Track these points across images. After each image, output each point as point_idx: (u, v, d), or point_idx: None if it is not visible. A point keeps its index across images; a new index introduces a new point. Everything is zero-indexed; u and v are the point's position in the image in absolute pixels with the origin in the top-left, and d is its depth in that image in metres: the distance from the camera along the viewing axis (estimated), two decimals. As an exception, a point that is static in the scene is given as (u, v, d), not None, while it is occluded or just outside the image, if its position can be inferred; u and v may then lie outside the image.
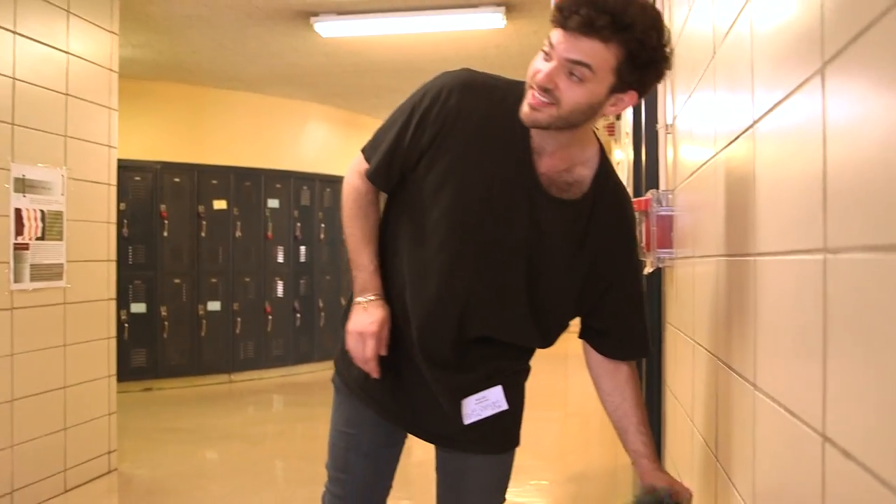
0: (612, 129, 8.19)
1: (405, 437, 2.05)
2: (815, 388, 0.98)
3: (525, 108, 1.66)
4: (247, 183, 8.81)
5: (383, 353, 1.87)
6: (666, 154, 2.74)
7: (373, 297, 1.88)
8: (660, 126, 2.78)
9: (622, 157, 6.46)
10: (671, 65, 1.64)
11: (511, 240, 1.80)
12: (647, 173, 3.65)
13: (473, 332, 1.85)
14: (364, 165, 1.93)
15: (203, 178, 8.50)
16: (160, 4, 5.96)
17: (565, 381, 9.55)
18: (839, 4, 0.90)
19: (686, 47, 2.31)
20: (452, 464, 2.02)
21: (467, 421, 1.89)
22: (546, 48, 1.61)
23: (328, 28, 6.34)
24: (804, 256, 1.02)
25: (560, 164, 1.79)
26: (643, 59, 1.57)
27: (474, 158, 1.79)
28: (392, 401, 1.96)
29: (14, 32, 4.13)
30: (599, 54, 1.55)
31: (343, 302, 9.73)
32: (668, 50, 1.61)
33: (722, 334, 1.71)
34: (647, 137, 3.89)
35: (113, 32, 5.04)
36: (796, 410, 1.08)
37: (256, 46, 7.14)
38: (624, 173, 5.90)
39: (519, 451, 2.04)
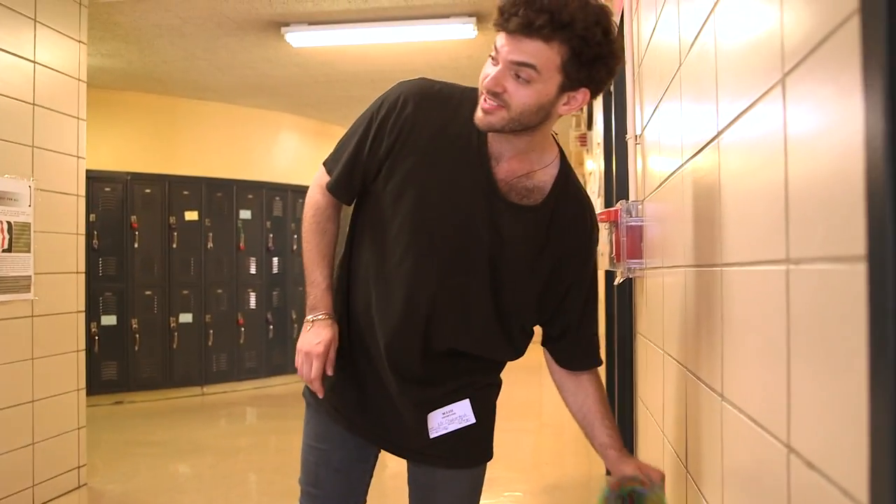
0: (584, 140, 8.22)
1: (378, 452, 2.04)
2: (779, 398, 0.98)
3: (479, 114, 1.67)
4: (218, 194, 8.76)
5: (329, 373, 1.85)
6: (635, 165, 2.75)
7: (322, 316, 1.87)
8: (629, 137, 2.79)
9: (594, 168, 6.49)
10: (622, 59, 1.65)
11: (472, 248, 1.80)
12: (618, 184, 3.67)
13: (440, 343, 1.85)
14: (325, 178, 1.94)
15: (174, 189, 8.45)
16: (129, 14, 5.92)
17: (539, 391, 9.55)
18: (798, 17, 0.91)
19: (653, 58, 2.32)
20: (423, 478, 2.01)
21: (433, 434, 1.88)
22: (493, 53, 1.61)
23: (299, 38, 6.33)
24: (768, 267, 1.03)
25: (519, 169, 1.79)
26: (588, 55, 1.57)
27: (432, 166, 1.79)
28: (361, 416, 1.95)
29: (-20, 42, 4.09)
30: (543, 54, 1.56)
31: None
32: (614, 45, 1.62)
33: (690, 344, 1.71)
34: (616, 148, 3.91)
35: (81, 42, 4.99)
36: (762, 421, 1.08)
37: (227, 56, 7.11)
38: (596, 184, 5.93)
39: (493, 463, 2.03)
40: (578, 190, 1.88)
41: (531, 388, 9.49)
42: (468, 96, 1.78)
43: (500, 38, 1.59)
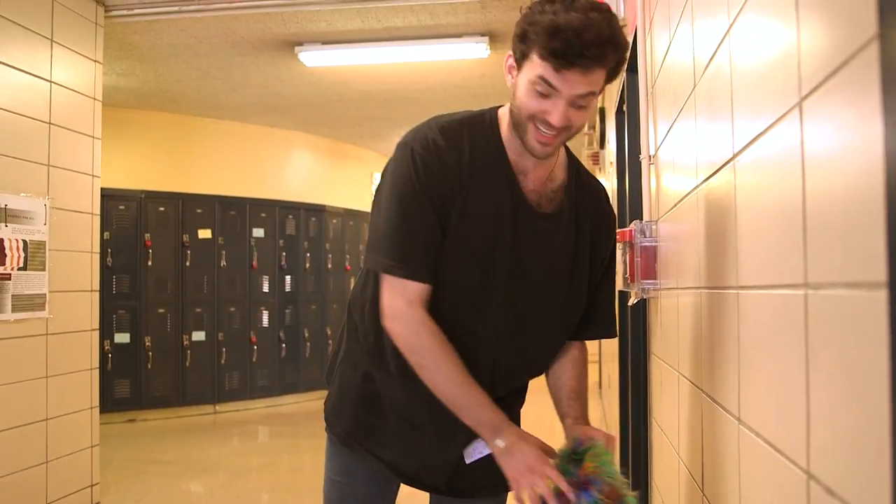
0: (596, 158, 8.21)
1: (399, 485, 2.03)
2: (798, 423, 0.97)
3: (536, 147, 1.69)
4: (232, 212, 8.80)
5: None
6: (649, 184, 2.75)
7: (513, 435, 1.72)
8: (642, 157, 2.78)
9: (607, 186, 6.48)
10: None
11: (527, 268, 1.81)
12: (631, 203, 3.66)
13: (508, 373, 1.88)
14: (403, 283, 1.74)
15: (188, 207, 8.48)
16: (144, 34, 5.96)
17: (551, 411, 9.52)
18: (815, 40, 0.90)
19: (667, 78, 2.32)
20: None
21: (469, 460, 1.85)
22: (542, 89, 1.62)
23: (313, 58, 6.37)
24: (785, 291, 1.02)
25: (542, 175, 1.82)
26: (624, 59, 1.66)
27: (472, 205, 1.76)
28: (385, 451, 1.94)
29: (-3, 63, 4.13)
30: (599, 78, 1.63)
31: (328, 332, 9.66)
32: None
33: (706, 366, 1.70)
34: (630, 167, 3.91)
35: (96, 61, 5.03)
36: (781, 446, 1.07)
37: (241, 75, 7.15)
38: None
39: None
40: (588, 175, 1.94)
41: (543, 408, 9.46)
42: (473, 122, 1.80)
43: (556, 76, 1.60)
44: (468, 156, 1.76)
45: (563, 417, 1.89)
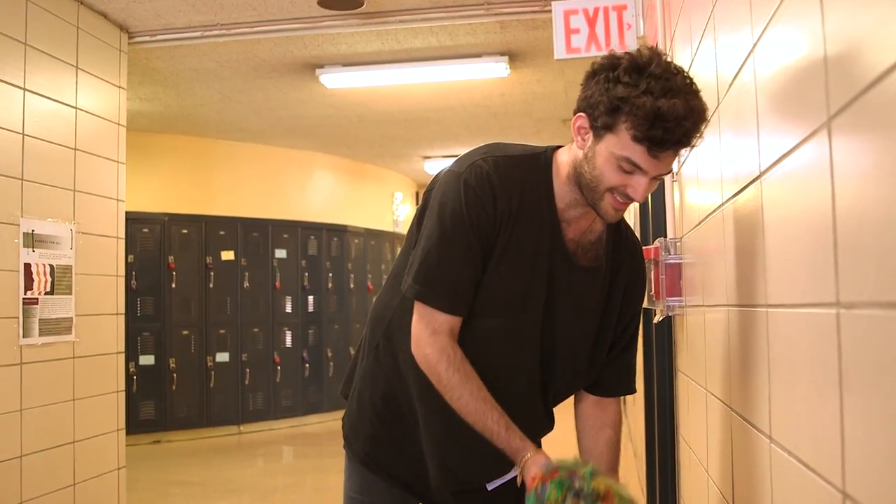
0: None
1: (417, 502, 2.03)
2: (833, 443, 0.96)
3: (611, 213, 1.72)
4: (254, 233, 8.85)
5: None
6: (673, 201, 2.74)
7: (530, 453, 1.76)
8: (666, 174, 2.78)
9: (628, 202, 6.47)
10: None
11: (558, 315, 1.84)
12: (654, 221, 3.65)
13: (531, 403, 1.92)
14: (435, 315, 1.76)
15: (210, 230, 8.54)
16: (167, 59, 6.03)
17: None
18: (842, 60, 0.91)
19: (690, 96, 2.32)
20: None
21: (491, 487, 1.86)
22: (628, 168, 1.63)
23: (333, 79, 6.41)
24: (817, 310, 1.02)
25: (584, 225, 1.84)
26: None
27: (516, 246, 1.77)
28: (403, 469, 1.95)
29: (23, 89, 4.18)
30: (675, 157, 1.67)
31: (351, 352, 9.72)
32: None
33: (735, 384, 1.69)
34: (653, 183, 3.90)
35: (121, 87, 5.09)
36: (815, 466, 1.06)
37: (262, 98, 7.21)
38: (631, 219, 5.91)
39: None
40: (627, 228, 1.95)
41: (568, 425, 9.41)
42: (528, 162, 1.81)
43: (650, 160, 1.60)
44: (518, 196, 1.75)
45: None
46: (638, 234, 4.81)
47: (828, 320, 0.97)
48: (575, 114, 1.72)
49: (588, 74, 1.69)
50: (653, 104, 1.53)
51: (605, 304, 1.88)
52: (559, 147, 1.86)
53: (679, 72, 1.60)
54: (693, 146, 1.63)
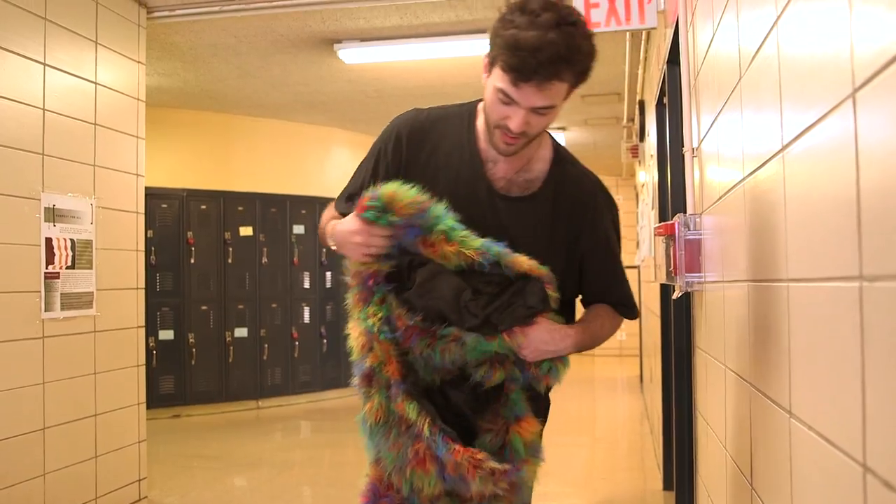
0: (635, 151, 8.17)
1: None
2: (854, 416, 0.96)
3: (501, 146, 1.85)
4: (272, 209, 8.87)
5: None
6: (693, 177, 2.73)
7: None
8: (686, 150, 2.76)
9: (647, 179, 6.44)
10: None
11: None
12: (673, 196, 3.64)
13: None
14: (330, 211, 2.12)
15: (229, 205, 8.57)
16: (185, 34, 6.03)
17: (592, 405, 9.49)
18: (868, 32, 0.90)
19: (711, 70, 2.30)
20: None
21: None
22: (503, 98, 1.76)
23: (351, 55, 6.39)
24: (839, 284, 1.01)
25: (517, 164, 1.94)
26: (588, 69, 1.78)
27: (434, 183, 1.90)
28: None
29: (44, 64, 4.20)
30: (559, 90, 1.75)
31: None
32: (596, 48, 1.78)
33: (755, 360, 1.69)
34: (672, 160, 3.88)
35: (140, 62, 5.10)
36: (835, 440, 1.06)
37: (281, 74, 7.20)
38: (649, 196, 5.88)
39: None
40: (581, 171, 2.03)
41: (584, 402, 9.43)
42: (455, 112, 2.01)
43: (515, 90, 1.73)
44: (438, 137, 1.97)
45: None
46: (657, 211, 4.80)
47: (850, 294, 0.96)
48: None
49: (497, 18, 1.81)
50: (513, 35, 1.68)
51: (550, 232, 1.95)
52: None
53: (552, 10, 1.69)
54: (566, 82, 1.73)
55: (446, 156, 1.96)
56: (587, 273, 2.01)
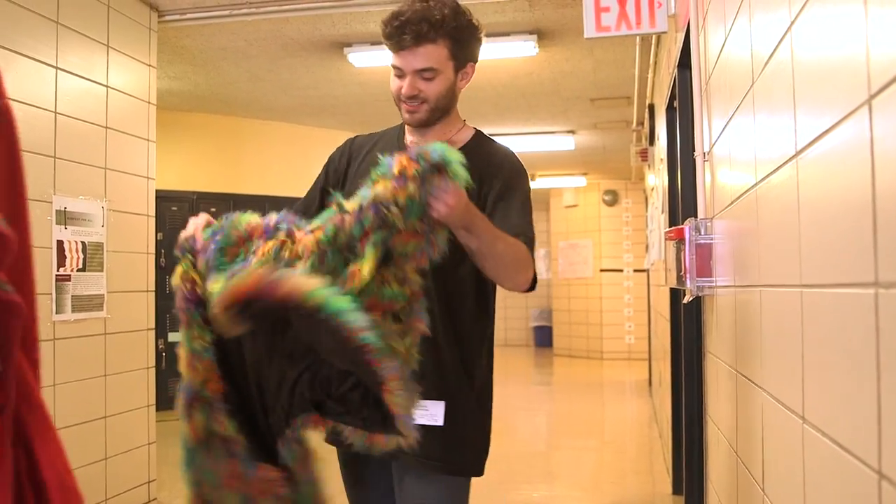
0: (644, 155, 8.15)
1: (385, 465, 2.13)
2: (869, 423, 0.96)
3: (406, 117, 2.10)
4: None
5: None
6: (704, 182, 2.73)
7: None
8: (697, 154, 2.76)
9: (657, 183, 6.43)
10: (482, 27, 2.11)
11: None
12: (684, 201, 3.63)
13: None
14: None
15: (238, 208, 8.41)
16: (196, 37, 6.05)
17: (601, 409, 9.48)
18: (885, 39, 0.89)
19: (723, 74, 2.30)
20: (397, 474, 2.11)
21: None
22: (395, 72, 2.04)
23: (361, 58, 6.40)
24: (854, 290, 1.01)
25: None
26: (464, 37, 2.03)
27: (369, 171, 2.02)
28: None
29: (55, 67, 4.22)
30: (434, 53, 2.00)
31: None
32: (473, 19, 2.06)
33: (767, 365, 1.69)
34: (682, 164, 3.88)
35: (151, 66, 5.12)
36: (849, 446, 1.06)
37: (290, 77, 7.22)
38: (659, 199, 5.87)
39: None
40: (493, 147, 2.18)
41: (593, 406, 9.42)
42: (387, 130, 2.29)
43: (397, 58, 2.02)
44: (377, 141, 2.25)
45: None
46: (667, 215, 4.79)
47: (865, 300, 0.96)
48: None
49: None
50: (390, 11, 1.99)
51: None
52: None
53: None
54: (440, 45, 1.98)
55: (380, 151, 2.11)
56: (488, 209, 2.04)
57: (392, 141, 2.22)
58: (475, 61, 2.14)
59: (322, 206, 2.23)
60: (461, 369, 2.07)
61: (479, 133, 2.22)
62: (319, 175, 2.34)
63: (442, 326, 2.02)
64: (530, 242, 2.04)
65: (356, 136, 2.34)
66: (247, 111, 8.62)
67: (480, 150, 2.13)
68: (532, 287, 2.05)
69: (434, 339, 1.92)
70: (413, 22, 1.95)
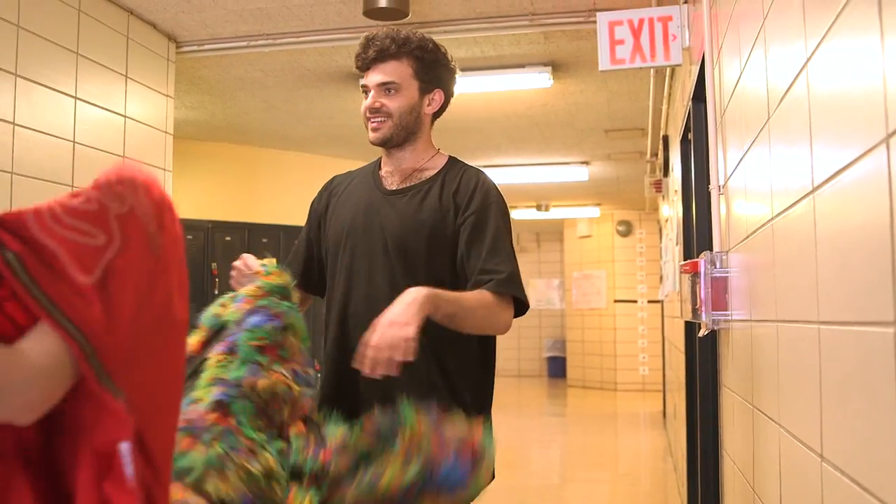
0: (659, 186, 8.15)
1: None
2: (889, 463, 0.95)
3: (371, 135, 2.19)
4: (296, 241, 8.89)
5: None
6: (719, 215, 2.72)
7: None
8: (712, 187, 2.76)
9: (671, 214, 6.42)
10: (454, 62, 2.27)
11: (386, 233, 2.16)
12: (699, 233, 3.62)
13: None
14: None
15: (253, 237, 8.61)
16: (213, 68, 6.11)
17: (615, 441, 9.41)
18: (905, 75, 0.89)
19: (738, 107, 2.30)
20: None
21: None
22: (364, 91, 2.19)
23: (377, 89, 6.43)
24: (873, 329, 1.00)
25: (408, 169, 2.24)
26: (429, 60, 2.18)
27: (347, 204, 2.27)
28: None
29: (75, 97, 4.26)
30: (397, 70, 2.15)
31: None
32: (445, 51, 2.22)
33: (784, 401, 1.67)
34: (697, 196, 3.87)
35: (168, 96, 5.17)
36: (869, 486, 1.04)
37: (306, 107, 7.27)
38: (673, 231, 5.86)
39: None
40: (468, 173, 2.23)
41: (607, 438, 9.35)
42: (365, 165, 2.37)
43: (365, 78, 2.17)
44: (354, 178, 2.35)
45: None
46: (681, 247, 4.77)
47: (884, 339, 0.95)
48: None
49: None
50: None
51: (442, 224, 2.13)
52: None
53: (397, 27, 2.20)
54: (402, 61, 2.16)
55: (356, 187, 2.32)
56: (461, 247, 2.11)
57: (367, 176, 2.30)
58: (446, 91, 2.25)
59: (309, 256, 2.38)
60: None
61: (452, 159, 2.29)
62: (304, 227, 2.44)
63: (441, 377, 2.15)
64: (506, 279, 2.07)
65: (335, 176, 2.43)
66: (263, 141, 8.68)
67: (453, 177, 2.21)
68: (522, 312, 2.13)
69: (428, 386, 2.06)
70: (378, 39, 2.14)
